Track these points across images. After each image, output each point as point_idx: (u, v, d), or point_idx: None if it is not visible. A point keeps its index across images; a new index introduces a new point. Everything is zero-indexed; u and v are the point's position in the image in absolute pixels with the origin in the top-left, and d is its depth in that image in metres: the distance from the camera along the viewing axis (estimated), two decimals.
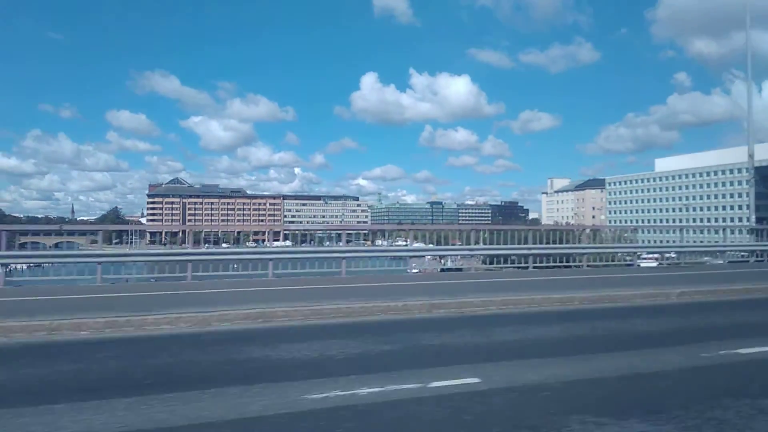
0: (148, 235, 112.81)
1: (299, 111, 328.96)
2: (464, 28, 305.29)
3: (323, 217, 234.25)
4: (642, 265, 20.99)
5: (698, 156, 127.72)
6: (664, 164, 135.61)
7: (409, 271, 17.37)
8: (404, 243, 18.64)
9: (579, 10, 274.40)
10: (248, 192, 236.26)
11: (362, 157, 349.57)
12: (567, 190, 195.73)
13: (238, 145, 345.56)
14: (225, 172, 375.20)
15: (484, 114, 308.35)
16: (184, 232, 23.87)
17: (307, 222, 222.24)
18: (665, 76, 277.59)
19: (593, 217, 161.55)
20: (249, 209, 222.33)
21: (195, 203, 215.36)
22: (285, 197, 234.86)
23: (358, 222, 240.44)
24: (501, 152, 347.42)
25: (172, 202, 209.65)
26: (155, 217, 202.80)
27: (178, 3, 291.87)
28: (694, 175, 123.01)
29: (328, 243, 17.14)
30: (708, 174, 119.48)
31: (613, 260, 18.86)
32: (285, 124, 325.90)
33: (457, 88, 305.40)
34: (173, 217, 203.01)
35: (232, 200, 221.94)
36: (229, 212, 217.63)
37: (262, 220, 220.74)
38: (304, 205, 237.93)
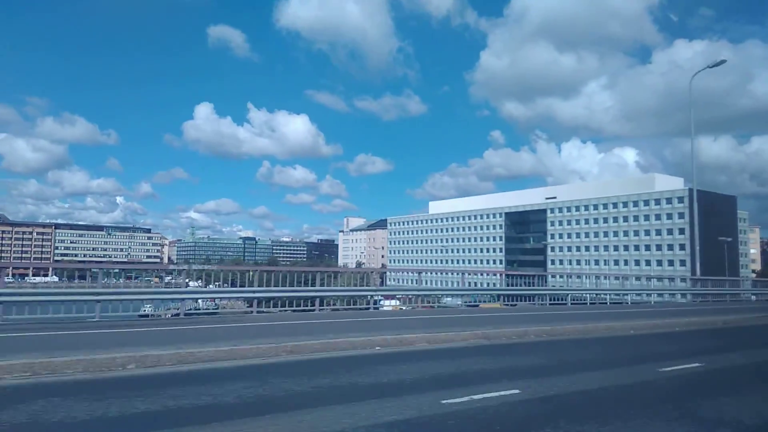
0: None
1: (123, 135, 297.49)
2: (301, 69, 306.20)
3: (105, 250, 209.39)
4: (384, 307, 21.31)
5: (467, 200, 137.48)
6: (436, 207, 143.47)
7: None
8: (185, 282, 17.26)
9: (408, 65, 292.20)
10: (11, 219, 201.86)
11: (195, 189, 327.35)
12: (360, 230, 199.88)
13: (50, 169, 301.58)
14: (32, 198, 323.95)
15: (321, 154, 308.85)
16: None
17: (84, 255, 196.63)
18: (482, 132, 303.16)
19: (382, 256, 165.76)
20: (10, 239, 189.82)
21: None
22: (57, 226, 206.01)
23: (148, 257, 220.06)
24: (338, 192, 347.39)
25: None
26: None
27: None
28: (457, 218, 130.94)
29: (104, 280, 14.64)
30: (469, 218, 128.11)
31: (355, 303, 17.93)
32: (106, 148, 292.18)
33: (296, 127, 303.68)
34: None
35: None
36: None
37: (26, 253, 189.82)
38: (81, 236, 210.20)
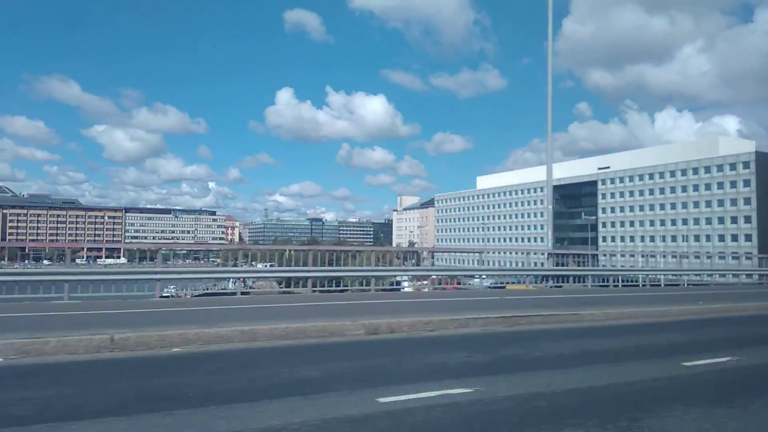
0: None
1: (211, 123, 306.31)
2: (376, 49, 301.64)
3: (172, 232, 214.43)
4: (405, 289, 20.58)
5: (515, 173, 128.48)
6: (484, 182, 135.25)
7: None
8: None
9: (485, 38, 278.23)
10: (84, 204, 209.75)
11: (279, 172, 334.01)
12: (413, 208, 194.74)
13: (146, 157, 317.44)
14: (132, 185, 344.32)
15: (399, 134, 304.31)
16: None
17: (153, 238, 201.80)
18: (566, 105, 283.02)
19: (433, 235, 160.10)
20: (83, 223, 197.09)
21: (18, 215, 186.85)
22: (127, 210, 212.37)
23: (213, 238, 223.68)
24: (417, 172, 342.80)
25: None
26: None
27: (73, 3, 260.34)
28: (503, 194, 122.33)
29: (169, 261, 14.42)
30: (514, 192, 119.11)
31: (372, 283, 16.57)
32: (197, 136, 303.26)
33: (373, 108, 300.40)
34: None
35: (64, 212, 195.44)
36: (60, 225, 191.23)
37: (98, 236, 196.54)
38: (150, 219, 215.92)
